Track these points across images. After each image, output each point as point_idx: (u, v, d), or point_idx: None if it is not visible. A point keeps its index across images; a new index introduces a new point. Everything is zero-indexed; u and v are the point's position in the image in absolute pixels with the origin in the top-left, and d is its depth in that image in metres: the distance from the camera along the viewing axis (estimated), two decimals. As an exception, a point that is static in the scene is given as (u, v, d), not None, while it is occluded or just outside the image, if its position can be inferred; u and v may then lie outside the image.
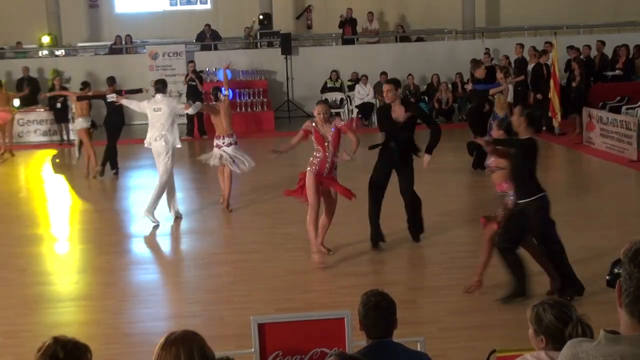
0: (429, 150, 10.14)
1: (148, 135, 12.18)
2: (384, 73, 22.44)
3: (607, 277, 2.84)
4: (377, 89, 22.54)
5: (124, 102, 13.21)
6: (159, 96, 12.25)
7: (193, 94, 20.75)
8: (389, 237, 10.68)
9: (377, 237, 10.25)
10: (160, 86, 12.40)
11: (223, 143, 12.59)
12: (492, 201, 12.78)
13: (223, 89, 13.28)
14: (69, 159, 19.40)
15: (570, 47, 20.62)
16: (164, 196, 12.22)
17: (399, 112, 10.08)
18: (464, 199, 12.72)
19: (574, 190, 13.55)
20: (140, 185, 15.70)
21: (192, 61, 22.40)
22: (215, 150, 12.65)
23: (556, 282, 8.22)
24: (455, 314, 7.85)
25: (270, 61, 24.19)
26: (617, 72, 20.61)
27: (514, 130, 8.18)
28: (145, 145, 12.33)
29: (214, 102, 13.06)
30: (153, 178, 16.12)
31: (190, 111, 13.01)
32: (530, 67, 20.10)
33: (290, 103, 23.54)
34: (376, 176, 10.16)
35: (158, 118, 12.05)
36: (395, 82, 10.41)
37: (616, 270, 2.72)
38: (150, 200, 12.05)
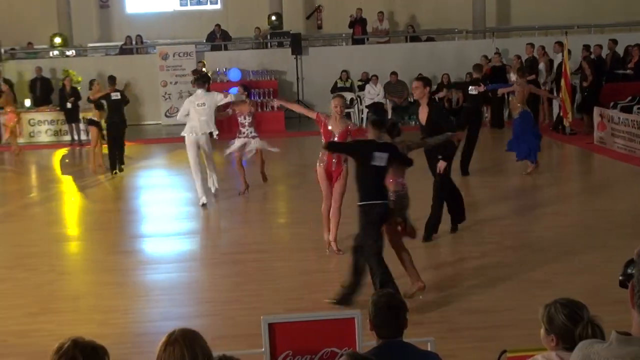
0: (444, 158, 10.11)
1: (187, 127, 12.74)
2: (394, 73, 22.45)
3: (620, 278, 2.82)
4: (387, 88, 22.55)
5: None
6: (200, 91, 12.86)
7: None
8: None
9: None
10: (201, 82, 13.13)
11: (250, 133, 13.28)
12: (498, 202, 12.77)
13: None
14: (79, 159, 19.47)
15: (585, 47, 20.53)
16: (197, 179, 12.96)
17: (423, 113, 10.06)
18: (473, 199, 12.69)
19: (585, 190, 13.51)
20: (149, 185, 15.75)
21: (201, 61, 22.36)
22: (242, 139, 13.33)
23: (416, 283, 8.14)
24: (465, 314, 7.83)
25: (281, 61, 24.20)
26: (628, 71, 20.50)
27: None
28: (182, 134, 12.88)
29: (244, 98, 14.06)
30: (163, 178, 16.21)
31: (229, 98, 13.40)
32: (540, 65, 20.07)
33: (300, 103, 23.53)
34: None
35: (201, 113, 12.65)
36: (424, 80, 10.38)
37: (629, 271, 2.70)
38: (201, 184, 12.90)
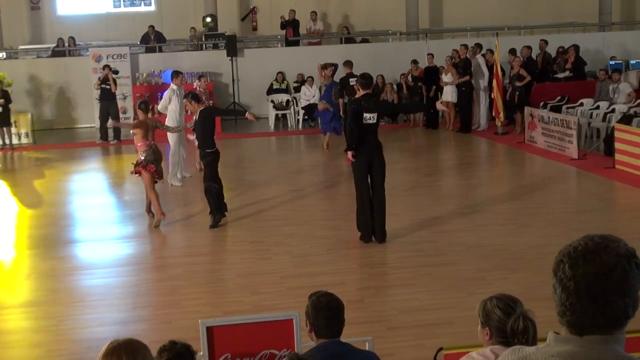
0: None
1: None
2: (329, 75, 22.46)
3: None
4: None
5: None
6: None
7: (105, 97, 20.68)
8: (338, 239, 10.74)
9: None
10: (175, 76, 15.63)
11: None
12: (434, 202, 12.93)
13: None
14: (11, 163, 19.09)
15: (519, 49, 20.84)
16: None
17: None
18: (409, 199, 12.83)
19: (517, 189, 13.75)
20: (83, 190, 15.51)
21: (107, 65, 21.70)
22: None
23: None
24: (402, 313, 7.93)
25: (216, 63, 24.09)
26: (568, 73, 20.78)
27: None
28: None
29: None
30: (96, 182, 16.00)
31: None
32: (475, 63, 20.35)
33: (236, 105, 23.45)
34: None
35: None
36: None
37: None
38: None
